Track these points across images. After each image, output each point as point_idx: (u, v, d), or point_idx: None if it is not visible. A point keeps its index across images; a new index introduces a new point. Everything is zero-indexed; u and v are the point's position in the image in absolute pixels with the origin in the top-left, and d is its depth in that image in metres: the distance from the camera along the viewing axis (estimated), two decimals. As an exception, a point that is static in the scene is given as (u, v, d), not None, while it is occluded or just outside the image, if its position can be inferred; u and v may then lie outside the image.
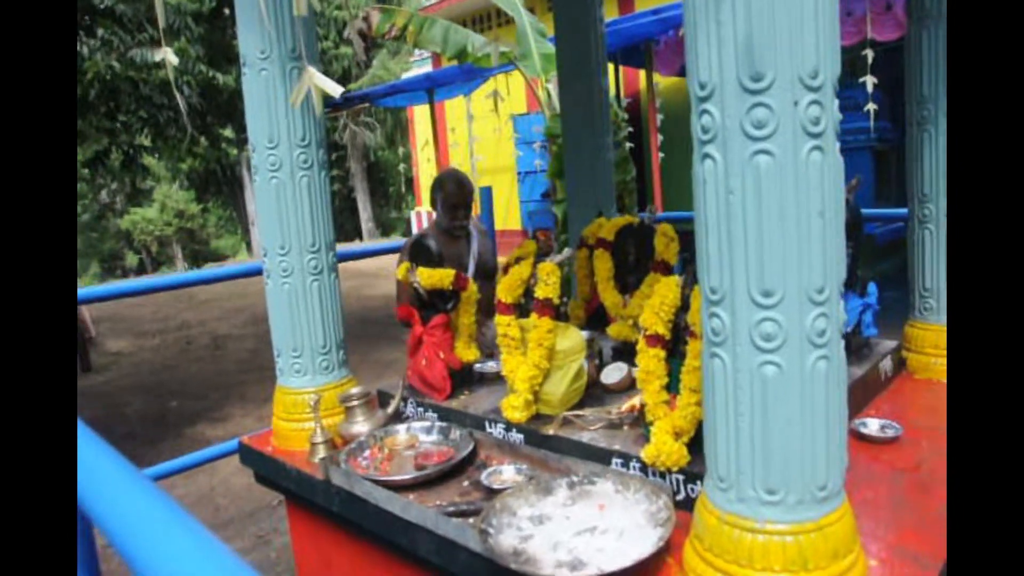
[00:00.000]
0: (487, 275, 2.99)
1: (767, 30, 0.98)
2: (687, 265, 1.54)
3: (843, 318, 1.12)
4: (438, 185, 2.90)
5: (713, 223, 1.07)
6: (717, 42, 1.01)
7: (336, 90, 1.44)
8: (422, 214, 15.47)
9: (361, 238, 22.75)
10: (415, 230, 15.84)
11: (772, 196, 1.02)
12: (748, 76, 0.99)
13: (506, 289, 1.84)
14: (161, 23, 1.79)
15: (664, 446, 1.48)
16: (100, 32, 5.53)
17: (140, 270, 26.83)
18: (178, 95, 2.03)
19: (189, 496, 4.20)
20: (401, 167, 14.19)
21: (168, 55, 1.75)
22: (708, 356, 1.15)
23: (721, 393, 1.13)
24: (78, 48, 5.46)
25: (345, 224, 24.46)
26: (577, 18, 3.21)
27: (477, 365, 2.23)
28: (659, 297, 1.55)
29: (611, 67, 8.61)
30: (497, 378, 2.12)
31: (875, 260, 6.29)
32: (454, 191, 2.86)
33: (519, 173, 10.69)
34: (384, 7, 5.75)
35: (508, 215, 11.68)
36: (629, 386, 1.94)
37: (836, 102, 1.05)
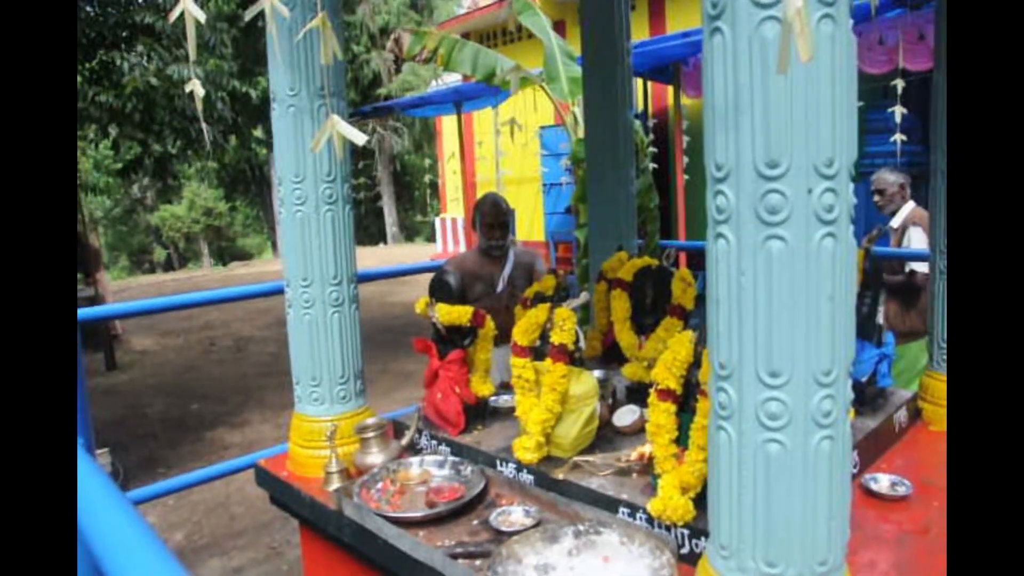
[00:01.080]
0: (513, 297, 3.11)
1: (784, 120, 1.00)
2: (701, 323, 1.55)
3: (850, 397, 1.13)
4: (477, 207, 3.29)
5: (724, 300, 1.09)
6: (735, 128, 1.03)
7: (360, 139, 1.47)
8: (447, 220, 15.53)
9: (385, 242, 22.90)
10: (439, 236, 15.93)
11: (783, 280, 1.03)
12: (764, 162, 1.01)
13: (522, 332, 1.87)
14: (192, 55, 1.81)
15: (671, 501, 1.50)
16: (139, 48, 5.63)
17: (168, 265, 27.24)
18: (204, 126, 2.05)
19: (205, 503, 4.27)
20: (427, 178, 14.25)
21: (196, 87, 1.77)
22: (714, 428, 1.16)
23: (725, 465, 1.15)
24: (118, 63, 5.57)
25: (370, 227, 24.63)
26: (604, 50, 3.24)
27: (492, 399, 2.26)
28: (672, 352, 1.57)
29: (639, 83, 8.60)
30: (511, 412, 2.14)
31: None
32: (489, 211, 3.23)
33: (544, 185, 10.71)
34: (415, 29, 5.80)
35: (532, 227, 11.71)
36: (641, 429, 1.95)
37: (851, 187, 1.06)
